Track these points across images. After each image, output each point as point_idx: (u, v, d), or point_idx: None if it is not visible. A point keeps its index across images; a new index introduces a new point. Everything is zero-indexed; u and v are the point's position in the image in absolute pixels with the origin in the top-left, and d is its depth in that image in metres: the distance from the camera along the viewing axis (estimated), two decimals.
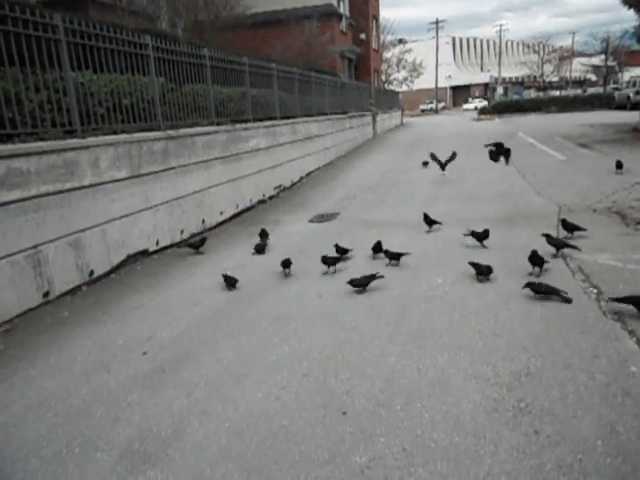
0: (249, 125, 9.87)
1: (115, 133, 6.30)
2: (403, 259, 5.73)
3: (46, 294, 5.03)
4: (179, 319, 4.61)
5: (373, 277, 5.00)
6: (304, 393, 3.26)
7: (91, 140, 5.77)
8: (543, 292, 4.45)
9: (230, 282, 5.29)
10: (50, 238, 5.08)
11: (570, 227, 6.12)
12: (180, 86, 7.82)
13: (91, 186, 5.69)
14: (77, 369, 3.77)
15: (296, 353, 3.82)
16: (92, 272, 5.65)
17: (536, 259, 4.98)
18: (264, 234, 6.98)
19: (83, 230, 5.52)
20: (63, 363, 3.88)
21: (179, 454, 2.74)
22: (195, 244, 6.85)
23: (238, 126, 9.37)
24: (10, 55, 4.90)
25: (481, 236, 5.98)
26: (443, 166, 11.83)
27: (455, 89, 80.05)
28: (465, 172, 12.30)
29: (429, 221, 7.16)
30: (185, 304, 4.97)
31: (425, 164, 13.51)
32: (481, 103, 59.67)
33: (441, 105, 67.62)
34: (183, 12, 16.06)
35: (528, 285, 4.49)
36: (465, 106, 64.71)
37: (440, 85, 66.37)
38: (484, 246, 5.65)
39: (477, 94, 73.56)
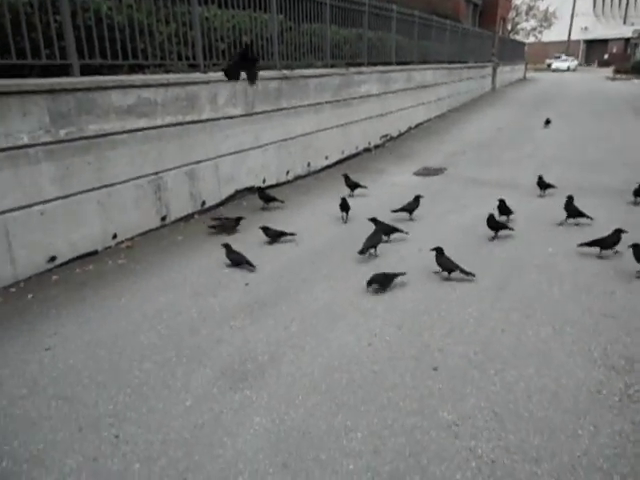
0: (363, 69, 9.63)
1: None
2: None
3: (163, 218, 5.44)
4: (280, 255, 4.78)
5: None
6: (396, 343, 3.28)
7: (212, 75, 5.96)
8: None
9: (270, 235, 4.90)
10: (170, 167, 5.43)
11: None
12: (298, 25, 7.74)
13: (208, 120, 5.93)
14: (187, 290, 4.09)
15: (391, 304, 3.82)
16: (204, 202, 5.99)
17: None
18: (350, 183, 6.82)
19: (198, 162, 5.83)
20: (175, 282, 4.22)
21: (274, 380, 2.91)
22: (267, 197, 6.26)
23: (352, 69, 9.17)
24: None
25: (607, 243, 4.47)
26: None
27: (590, 43, 71.50)
28: (594, 136, 11.18)
29: (543, 185, 6.66)
30: (286, 243, 5.12)
31: (547, 123, 12.47)
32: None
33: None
34: None
35: None
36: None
37: (573, 38, 59.54)
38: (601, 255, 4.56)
39: (615, 50, 65.17)
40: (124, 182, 4.91)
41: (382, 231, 4.88)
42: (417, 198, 5.78)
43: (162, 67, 5.53)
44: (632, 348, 3.17)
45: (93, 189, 4.62)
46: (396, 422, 2.56)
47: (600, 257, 4.60)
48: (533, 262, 4.55)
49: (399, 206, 5.81)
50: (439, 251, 4.24)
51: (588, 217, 5.43)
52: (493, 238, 5.12)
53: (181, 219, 5.67)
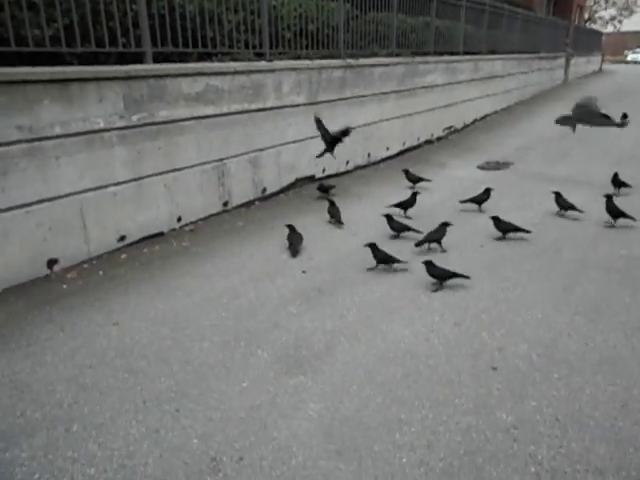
0: (429, 59, 9.40)
1: (298, 58, 6.48)
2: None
3: (225, 204, 5.58)
4: (338, 245, 4.79)
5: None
6: (454, 340, 3.21)
7: (277, 64, 6.01)
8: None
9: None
10: (234, 153, 5.55)
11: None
12: (365, 13, 7.66)
13: (272, 109, 6.00)
14: (246, 274, 4.17)
15: (449, 299, 3.74)
16: (265, 189, 6.09)
17: None
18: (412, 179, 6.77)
19: (261, 150, 5.92)
20: (235, 267, 4.32)
21: (329, 368, 2.92)
22: (324, 188, 6.33)
23: (418, 59, 8.98)
24: None
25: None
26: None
27: None
28: None
29: (618, 182, 6.28)
30: (344, 232, 5.12)
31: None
32: None
33: None
34: None
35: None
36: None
37: None
38: None
39: None
40: (190, 167, 5.06)
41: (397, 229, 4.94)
42: (487, 190, 5.71)
43: (229, 55, 5.63)
44: None
45: (161, 173, 4.80)
46: (451, 419, 2.51)
47: None
48: (602, 263, 4.32)
49: (466, 197, 5.73)
50: (496, 219, 4.80)
51: (631, 218, 5.20)
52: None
53: (242, 205, 5.79)
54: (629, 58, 48.75)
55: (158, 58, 4.82)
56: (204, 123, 5.15)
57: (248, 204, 5.86)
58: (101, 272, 4.17)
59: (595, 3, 41.32)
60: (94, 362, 2.97)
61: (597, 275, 4.11)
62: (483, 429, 2.44)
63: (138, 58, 4.67)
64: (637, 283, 3.95)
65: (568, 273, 4.16)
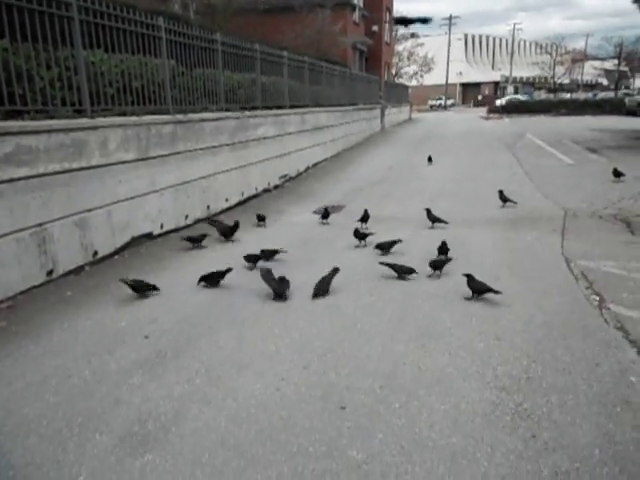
0: (258, 113, 9.82)
1: (124, 115, 6.28)
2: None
3: (50, 272, 5.04)
4: (181, 304, 4.62)
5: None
6: (304, 385, 3.27)
7: (100, 120, 5.75)
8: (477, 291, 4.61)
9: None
10: (56, 217, 5.08)
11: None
12: (191, 70, 7.77)
13: (98, 167, 5.67)
14: (79, 349, 3.78)
15: (296, 343, 3.83)
16: (96, 252, 5.65)
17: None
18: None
19: (89, 210, 5.52)
20: (65, 343, 3.89)
21: (178, 439, 2.76)
22: (195, 239, 6.39)
23: (247, 113, 9.32)
24: (23, 31, 4.87)
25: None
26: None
27: (465, 86, 79.56)
28: (473, 171, 12.27)
29: (432, 218, 7.15)
30: (188, 289, 4.97)
31: (429, 161, 13.48)
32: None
33: (450, 102, 67.29)
34: None
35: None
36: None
37: (450, 81, 65.96)
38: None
39: (487, 92, 72.99)
40: (1, 237, 4.49)
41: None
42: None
43: (45, 113, 5.23)
44: (517, 367, 3.44)
45: None
46: (306, 468, 2.53)
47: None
48: (428, 291, 4.82)
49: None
50: (469, 277, 4.62)
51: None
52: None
53: (71, 272, 5.28)
54: (437, 103, 60.19)
55: None
56: (17, 186, 4.65)
57: (77, 270, 5.37)
58: None
59: (400, 60, 47.38)
60: None
61: (424, 302, 4.57)
62: (337, 471, 2.51)
63: None
64: (454, 306, 4.48)
65: (401, 304, 4.55)
